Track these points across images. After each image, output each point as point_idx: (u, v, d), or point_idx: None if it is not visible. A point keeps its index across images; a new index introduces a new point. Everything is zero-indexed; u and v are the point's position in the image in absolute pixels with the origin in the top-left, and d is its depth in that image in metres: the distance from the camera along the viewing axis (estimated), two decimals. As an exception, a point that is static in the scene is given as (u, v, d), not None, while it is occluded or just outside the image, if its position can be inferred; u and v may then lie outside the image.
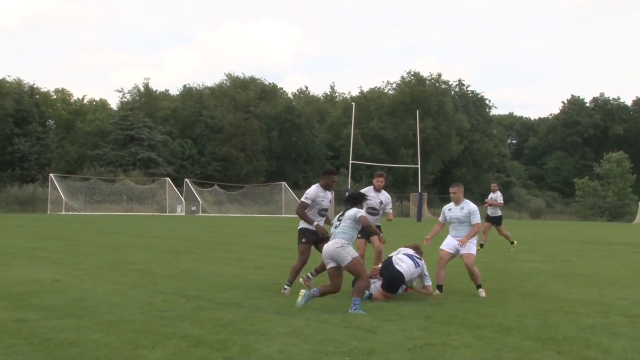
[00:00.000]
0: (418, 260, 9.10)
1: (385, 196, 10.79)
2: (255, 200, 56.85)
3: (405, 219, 50.97)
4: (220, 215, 49.03)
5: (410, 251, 9.23)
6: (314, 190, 9.42)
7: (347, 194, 9.38)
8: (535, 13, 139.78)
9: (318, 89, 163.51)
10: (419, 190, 48.98)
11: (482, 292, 9.21)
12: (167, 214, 48.85)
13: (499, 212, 19.32)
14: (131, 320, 6.79)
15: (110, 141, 59.17)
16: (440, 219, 9.79)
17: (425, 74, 77.61)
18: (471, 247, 9.37)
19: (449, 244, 9.57)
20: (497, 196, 19.63)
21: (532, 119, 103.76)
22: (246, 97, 69.21)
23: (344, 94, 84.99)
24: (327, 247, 8.09)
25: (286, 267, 12.70)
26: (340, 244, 7.93)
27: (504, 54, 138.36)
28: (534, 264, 14.58)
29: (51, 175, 47.73)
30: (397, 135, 72.31)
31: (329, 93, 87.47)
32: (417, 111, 53.55)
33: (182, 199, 51.55)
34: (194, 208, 51.13)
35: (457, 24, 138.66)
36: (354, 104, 52.77)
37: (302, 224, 9.35)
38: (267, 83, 76.29)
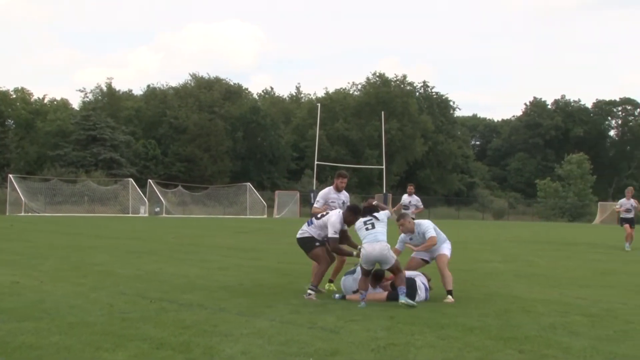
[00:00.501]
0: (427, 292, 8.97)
1: (345, 196, 10.75)
2: (219, 201, 56.50)
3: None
4: (184, 217, 48.62)
5: (426, 283, 9.02)
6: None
7: (361, 206, 9.28)
8: (498, 16, 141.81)
9: (283, 90, 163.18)
10: (384, 191, 49.26)
11: (449, 298, 8.79)
12: (130, 215, 48.27)
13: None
14: (92, 323, 6.68)
15: (72, 141, 58.22)
16: (398, 246, 9.46)
17: (390, 75, 78.20)
18: (444, 249, 9.33)
19: (422, 253, 9.58)
20: (416, 201, 18.49)
21: (496, 120, 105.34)
22: (211, 97, 68.77)
23: (310, 94, 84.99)
24: (375, 249, 8.26)
25: (250, 267, 12.64)
26: (387, 248, 8.32)
27: (468, 56, 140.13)
28: (496, 264, 14.76)
29: (10, 175, 46.68)
30: (362, 136, 72.61)
31: (294, 94, 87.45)
32: (382, 112, 53.83)
33: (146, 200, 50.93)
34: (157, 209, 50.58)
35: (422, 26, 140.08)
36: (319, 104, 52.79)
37: (305, 234, 9.04)
38: (232, 83, 75.90)
